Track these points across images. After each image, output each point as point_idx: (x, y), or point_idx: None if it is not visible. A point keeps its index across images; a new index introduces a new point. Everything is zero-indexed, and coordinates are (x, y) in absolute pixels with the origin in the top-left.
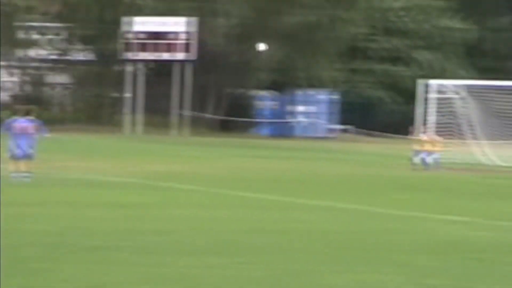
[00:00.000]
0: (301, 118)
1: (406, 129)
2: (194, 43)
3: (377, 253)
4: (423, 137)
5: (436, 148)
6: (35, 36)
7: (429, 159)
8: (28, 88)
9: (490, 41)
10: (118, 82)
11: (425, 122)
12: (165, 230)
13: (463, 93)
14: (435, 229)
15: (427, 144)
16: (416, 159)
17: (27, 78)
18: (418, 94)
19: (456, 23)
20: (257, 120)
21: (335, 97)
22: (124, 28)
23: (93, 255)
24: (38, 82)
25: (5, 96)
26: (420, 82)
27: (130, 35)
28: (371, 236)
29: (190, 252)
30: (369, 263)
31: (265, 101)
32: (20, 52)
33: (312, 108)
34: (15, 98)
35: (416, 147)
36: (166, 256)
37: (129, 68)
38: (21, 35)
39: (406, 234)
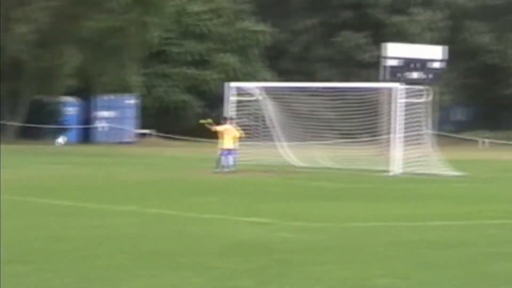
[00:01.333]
0: (103, 124)
1: (206, 132)
2: None
3: (179, 257)
4: (226, 126)
5: (235, 145)
6: None
7: (230, 159)
8: None
9: (290, 43)
10: None
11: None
12: None
13: (263, 95)
14: (236, 231)
15: (228, 139)
16: (222, 161)
17: None
18: (226, 97)
19: (256, 26)
20: (60, 126)
21: (136, 101)
22: None
23: None
24: None
25: None
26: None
27: None
28: (172, 239)
29: None
30: (170, 267)
31: (68, 107)
32: None
33: (114, 113)
34: None
35: (221, 147)
36: None
37: None
38: None
39: (208, 237)
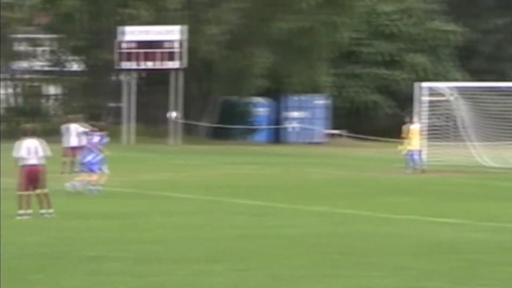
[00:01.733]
0: (293, 124)
1: (396, 133)
2: (184, 51)
3: (370, 257)
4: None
5: (419, 145)
6: (27, 48)
7: (419, 159)
8: (20, 100)
9: (481, 43)
10: (110, 92)
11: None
12: (160, 239)
13: (455, 95)
14: (428, 232)
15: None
16: (414, 161)
17: (19, 90)
18: (416, 97)
19: (447, 26)
20: (252, 127)
21: (327, 102)
22: (118, 37)
23: (88, 266)
24: (31, 94)
25: None
26: (415, 85)
27: (123, 45)
28: (363, 240)
29: (187, 260)
30: (361, 267)
31: (259, 107)
32: (13, 64)
33: (304, 113)
34: (9, 110)
35: (409, 147)
36: (164, 265)
37: (122, 77)
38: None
39: (399, 238)
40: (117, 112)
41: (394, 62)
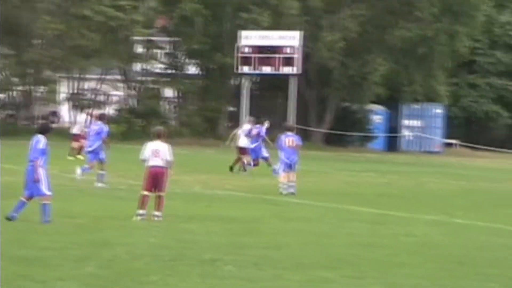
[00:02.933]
0: (410, 132)
1: None
2: (299, 57)
3: (487, 268)
4: None
5: None
6: (142, 50)
7: None
8: (133, 102)
9: None
10: (225, 95)
11: None
12: (276, 244)
13: None
14: None
15: None
16: None
17: (133, 92)
18: None
19: None
20: (369, 134)
21: (443, 111)
22: (238, 41)
23: (204, 269)
24: (148, 96)
25: (111, 110)
26: None
27: (244, 49)
28: (480, 250)
29: (303, 266)
30: (478, 278)
31: (376, 115)
32: (132, 66)
33: (421, 122)
34: (120, 112)
35: None
36: (279, 270)
37: (242, 82)
38: (134, 48)
39: None
40: (234, 116)
41: (506, 72)
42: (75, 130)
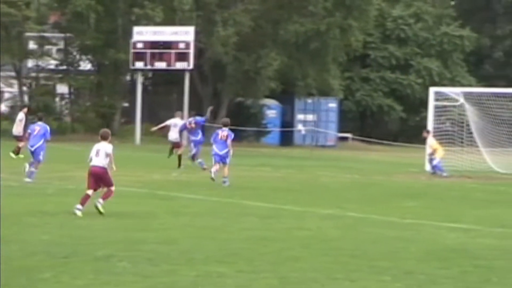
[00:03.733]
0: (304, 127)
1: (406, 137)
2: (193, 53)
3: (380, 261)
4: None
5: (439, 154)
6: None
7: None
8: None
9: (491, 49)
10: (120, 91)
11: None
12: (171, 239)
13: (462, 100)
14: (437, 237)
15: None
16: (430, 166)
17: (25, 89)
18: (428, 102)
19: (457, 31)
20: (262, 129)
21: (336, 105)
22: (132, 37)
23: (98, 265)
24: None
25: (4, 107)
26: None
27: (137, 45)
28: (373, 243)
29: (196, 261)
30: (371, 271)
31: (270, 110)
32: (22, 62)
33: (315, 116)
34: (13, 108)
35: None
36: (173, 266)
37: (136, 77)
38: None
39: (409, 242)
40: (128, 111)
41: (406, 66)
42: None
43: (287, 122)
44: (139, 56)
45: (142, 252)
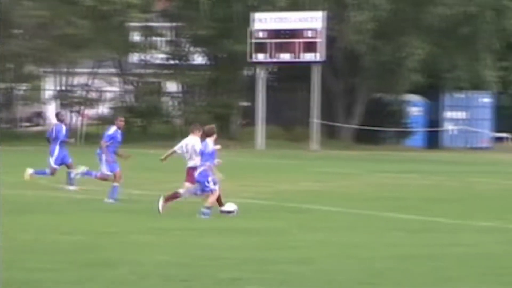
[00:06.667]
0: (453, 126)
1: None
2: (323, 42)
3: None
4: None
5: None
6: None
7: None
8: (130, 99)
9: None
10: (238, 88)
11: None
12: (306, 258)
13: None
14: None
15: None
16: None
17: (130, 87)
18: None
19: None
20: (406, 129)
21: (492, 100)
22: (251, 25)
23: None
24: (147, 91)
25: (104, 109)
26: None
27: (258, 34)
28: None
29: (338, 283)
30: None
31: (413, 107)
32: (127, 57)
33: (466, 113)
34: (116, 110)
35: None
36: None
37: (257, 72)
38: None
39: None
40: (249, 112)
41: None
42: None
43: (433, 121)
44: (260, 47)
45: (273, 274)
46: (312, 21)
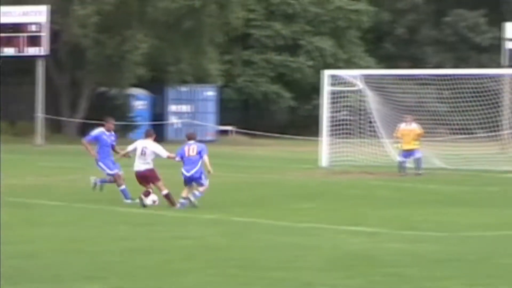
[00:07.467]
0: (177, 119)
1: (296, 129)
2: (47, 36)
3: (274, 272)
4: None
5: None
6: None
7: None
8: None
9: (392, 24)
10: None
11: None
12: (30, 253)
13: (360, 85)
14: (338, 242)
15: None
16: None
17: None
18: (321, 87)
19: (350, 4)
20: (129, 123)
21: (215, 93)
22: None
23: None
24: None
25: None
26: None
27: None
28: (265, 252)
29: (61, 278)
30: (265, 284)
31: (138, 100)
32: None
33: (190, 107)
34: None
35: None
36: (35, 284)
37: None
38: None
39: (307, 249)
40: None
41: (294, 47)
42: None
43: (158, 115)
44: None
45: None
46: (36, 15)
